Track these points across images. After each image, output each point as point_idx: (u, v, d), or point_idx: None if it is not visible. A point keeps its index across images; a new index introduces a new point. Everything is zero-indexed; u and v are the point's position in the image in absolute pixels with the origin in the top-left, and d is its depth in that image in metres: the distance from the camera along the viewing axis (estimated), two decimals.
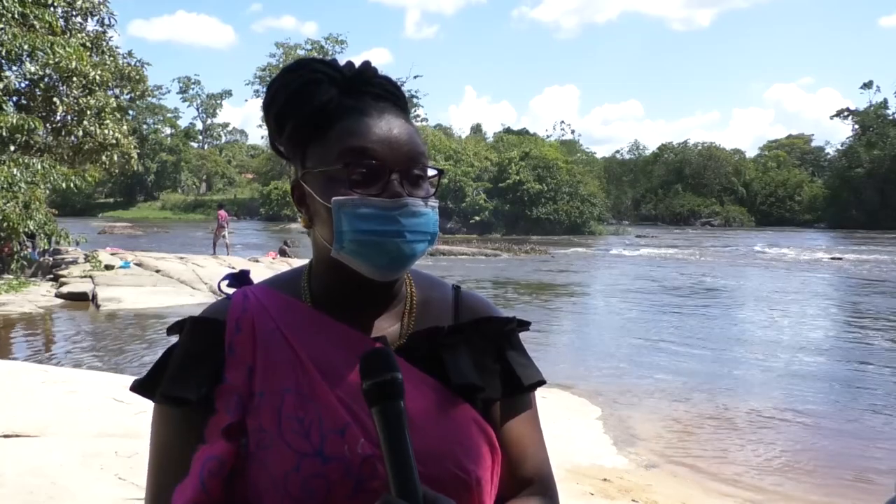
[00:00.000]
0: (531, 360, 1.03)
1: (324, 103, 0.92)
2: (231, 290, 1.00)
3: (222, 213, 23.14)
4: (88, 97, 15.50)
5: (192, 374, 0.91)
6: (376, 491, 0.82)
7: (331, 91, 0.93)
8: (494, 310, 1.05)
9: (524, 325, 1.05)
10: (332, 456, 0.84)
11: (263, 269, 16.43)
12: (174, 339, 0.98)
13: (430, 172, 0.95)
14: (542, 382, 1.02)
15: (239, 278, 1.04)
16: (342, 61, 1.00)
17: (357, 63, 0.99)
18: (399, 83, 1.01)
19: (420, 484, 0.76)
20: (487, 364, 0.98)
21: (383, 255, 0.89)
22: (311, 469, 0.84)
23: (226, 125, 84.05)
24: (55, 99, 15.02)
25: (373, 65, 1.00)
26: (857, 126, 72.31)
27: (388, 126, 0.92)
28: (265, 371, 0.90)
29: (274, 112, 0.96)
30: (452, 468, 0.88)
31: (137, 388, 0.96)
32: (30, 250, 15.91)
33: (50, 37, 13.84)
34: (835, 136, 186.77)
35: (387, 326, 0.97)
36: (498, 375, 0.98)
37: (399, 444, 0.76)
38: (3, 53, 13.24)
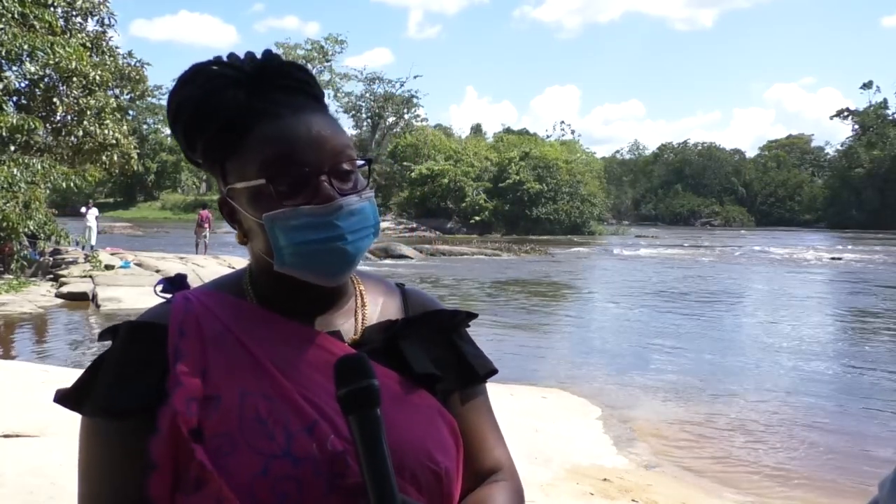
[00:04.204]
0: (481, 350, 1.03)
1: (231, 114, 0.86)
2: (168, 295, 0.95)
3: (204, 212, 24.02)
4: (88, 97, 15.49)
5: (130, 382, 0.85)
6: (349, 489, 0.81)
7: (237, 96, 0.87)
8: (440, 304, 1.05)
9: (471, 317, 1.04)
10: (302, 456, 0.81)
11: None
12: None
13: (360, 164, 0.91)
14: (494, 371, 1.02)
15: (174, 283, 0.98)
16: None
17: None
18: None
19: (398, 493, 0.75)
20: (441, 355, 0.97)
21: (328, 262, 0.86)
22: (281, 471, 0.80)
23: None
24: (55, 99, 15.02)
25: (274, 52, 0.94)
26: (857, 126, 72.40)
27: (305, 126, 0.86)
28: (219, 374, 0.85)
29: (181, 129, 0.90)
30: (423, 460, 0.86)
31: (62, 399, 0.88)
32: (29, 250, 15.91)
33: (50, 37, 13.83)
34: (835, 136, 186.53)
35: (339, 323, 0.95)
36: (453, 366, 0.97)
37: (377, 453, 0.75)
38: (3, 53, 13.24)
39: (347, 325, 0.95)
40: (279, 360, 0.87)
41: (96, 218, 22.75)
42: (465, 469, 0.94)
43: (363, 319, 0.96)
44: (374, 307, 0.99)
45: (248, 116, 0.87)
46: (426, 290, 1.10)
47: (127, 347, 0.87)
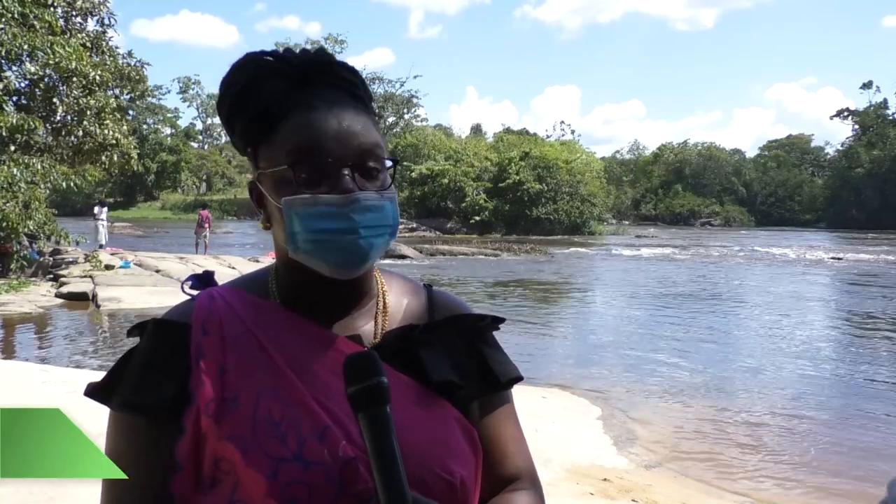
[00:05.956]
0: (507, 356, 1.02)
1: (269, 101, 0.89)
2: (195, 292, 0.97)
3: (204, 212, 24.32)
4: (88, 97, 15.49)
5: (154, 379, 0.87)
6: (359, 495, 0.80)
7: (278, 86, 0.89)
8: (467, 308, 1.04)
9: (498, 321, 1.03)
10: (313, 460, 0.81)
11: None
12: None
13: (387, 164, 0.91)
14: (519, 378, 1.01)
15: (202, 279, 1.00)
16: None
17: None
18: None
19: (409, 490, 0.75)
20: (464, 362, 0.96)
21: (339, 253, 0.86)
22: (291, 475, 0.80)
23: None
24: (55, 99, 15.02)
25: (327, 52, 0.96)
26: (857, 126, 72.38)
27: (337, 119, 0.87)
28: (237, 374, 0.86)
29: (224, 113, 0.93)
30: (437, 470, 0.85)
31: (92, 393, 0.90)
32: (30, 250, 15.92)
33: (50, 37, 13.83)
34: (836, 136, 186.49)
35: (360, 326, 0.94)
36: (475, 373, 0.96)
37: (387, 451, 0.75)
38: (3, 53, 13.23)
39: (367, 327, 0.95)
40: (296, 363, 0.88)
41: (105, 217, 22.80)
42: (484, 477, 0.94)
43: (384, 322, 0.96)
44: (396, 309, 0.98)
45: (284, 106, 0.89)
46: None
47: (152, 345, 0.90)
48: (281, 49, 0.95)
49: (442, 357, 0.94)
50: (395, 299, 0.99)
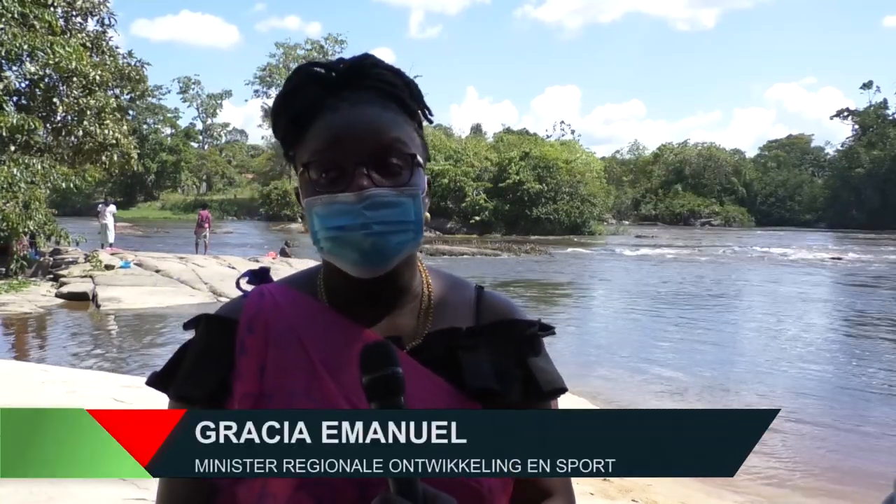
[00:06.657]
0: (553, 365, 0.99)
1: (302, 107, 0.90)
2: (249, 288, 0.99)
3: (204, 212, 24.31)
4: (88, 97, 15.49)
5: (202, 372, 0.91)
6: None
7: (313, 92, 0.90)
8: (518, 312, 1.01)
9: (547, 329, 1.00)
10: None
11: None
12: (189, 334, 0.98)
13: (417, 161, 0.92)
14: (563, 390, 0.98)
15: (259, 276, 1.01)
16: None
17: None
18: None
19: (419, 481, 0.75)
20: (507, 368, 0.94)
21: (353, 250, 0.86)
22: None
23: (226, 125, 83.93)
24: (55, 99, 15.03)
25: (373, 56, 0.95)
26: (857, 126, 72.32)
27: (356, 118, 0.88)
28: (276, 373, 0.88)
29: (271, 121, 0.96)
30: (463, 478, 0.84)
31: (153, 382, 0.95)
32: (30, 250, 15.91)
33: (50, 37, 13.83)
34: (836, 136, 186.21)
35: (402, 325, 0.94)
36: (517, 381, 0.94)
37: None
38: (3, 53, 13.24)
39: (410, 327, 0.95)
40: (331, 362, 0.89)
41: (112, 215, 22.64)
42: (517, 490, 0.92)
43: (427, 323, 0.95)
44: (441, 310, 0.97)
45: (315, 110, 0.90)
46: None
47: (204, 339, 0.94)
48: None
49: (483, 362, 0.92)
50: (440, 299, 0.98)
